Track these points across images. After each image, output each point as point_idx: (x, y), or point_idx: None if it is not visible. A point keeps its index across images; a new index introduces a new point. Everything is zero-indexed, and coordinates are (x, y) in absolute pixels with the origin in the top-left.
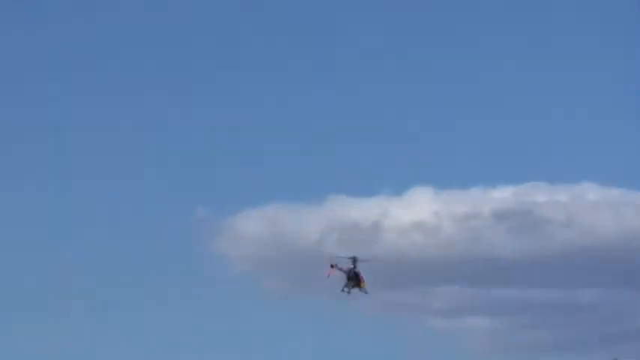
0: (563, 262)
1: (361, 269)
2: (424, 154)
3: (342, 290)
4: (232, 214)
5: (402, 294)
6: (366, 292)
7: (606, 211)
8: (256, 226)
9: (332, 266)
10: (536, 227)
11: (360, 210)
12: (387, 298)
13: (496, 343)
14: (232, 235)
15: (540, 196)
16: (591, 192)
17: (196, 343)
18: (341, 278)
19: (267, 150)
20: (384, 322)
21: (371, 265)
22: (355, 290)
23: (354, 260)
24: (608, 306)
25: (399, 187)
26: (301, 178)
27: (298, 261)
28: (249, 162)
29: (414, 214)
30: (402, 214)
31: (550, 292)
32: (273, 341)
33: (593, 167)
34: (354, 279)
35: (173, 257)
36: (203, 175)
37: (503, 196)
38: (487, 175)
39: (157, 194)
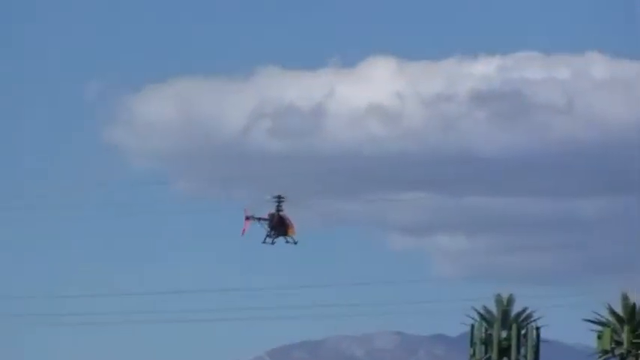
0: (561, 161)
1: (288, 211)
2: (384, 14)
3: (264, 242)
4: (132, 92)
5: (352, 203)
6: (295, 242)
7: (617, 92)
8: (162, 108)
9: (247, 218)
10: (526, 114)
11: (299, 88)
12: (331, 208)
13: (472, 267)
14: (132, 121)
15: (533, 71)
16: (598, 66)
17: (94, 255)
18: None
19: (178, 8)
20: (327, 238)
21: (309, 170)
22: (281, 239)
23: (279, 200)
24: (619, 219)
25: (350, 56)
26: (222, 44)
27: (217, 156)
28: (156, 24)
29: (369, 94)
30: (354, 93)
31: (543, 201)
32: (188, 254)
33: (600, 34)
34: (278, 227)
35: (57, 149)
36: (93, 39)
37: (485, 70)
38: (465, 43)
39: (35, 65)
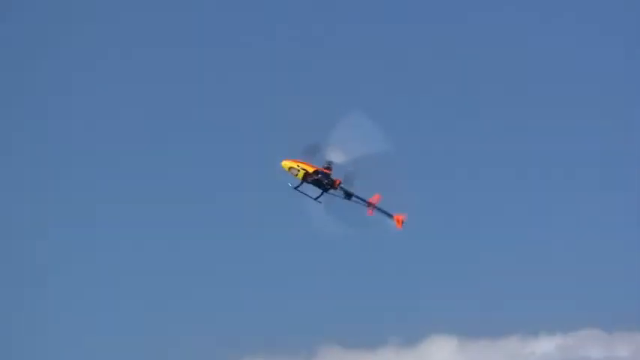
0: None
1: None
2: (445, 292)
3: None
4: None
5: None
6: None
7: None
8: None
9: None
10: None
11: None
12: None
13: None
14: None
15: (596, 349)
16: None
17: None
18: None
19: (233, 290)
20: None
21: None
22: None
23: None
24: None
25: (412, 335)
26: (283, 324)
27: None
28: (205, 315)
29: None
30: None
31: None
32: None
33: None
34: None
35: None
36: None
37: (546, 349)
38: (526, 321)
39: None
